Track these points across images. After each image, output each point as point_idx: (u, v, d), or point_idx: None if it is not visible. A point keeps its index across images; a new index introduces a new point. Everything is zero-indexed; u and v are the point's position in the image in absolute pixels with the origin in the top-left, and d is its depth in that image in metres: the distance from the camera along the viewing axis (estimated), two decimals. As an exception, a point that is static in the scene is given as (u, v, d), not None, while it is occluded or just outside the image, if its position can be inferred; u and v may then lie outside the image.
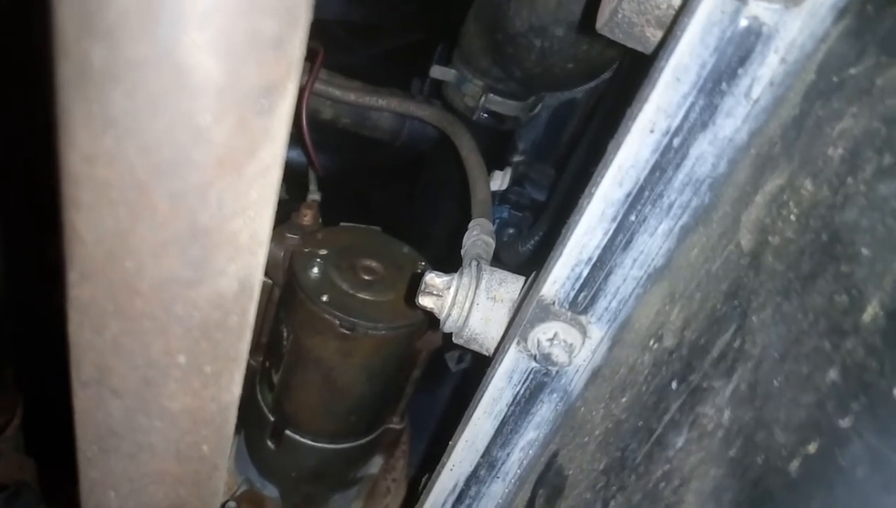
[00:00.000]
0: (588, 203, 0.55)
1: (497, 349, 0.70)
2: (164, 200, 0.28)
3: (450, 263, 0.84)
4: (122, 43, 0.24)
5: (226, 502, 1.16)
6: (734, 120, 0.50)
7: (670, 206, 0.54)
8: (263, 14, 0.25)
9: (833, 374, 0.32)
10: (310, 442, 1.13)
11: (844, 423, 0.30)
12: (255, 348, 1.23)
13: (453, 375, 1.45)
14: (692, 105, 0.50)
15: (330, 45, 1.34)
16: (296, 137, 1.37)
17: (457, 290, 0.72)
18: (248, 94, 0.26)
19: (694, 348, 0.47)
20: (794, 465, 0.32)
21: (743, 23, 0.46)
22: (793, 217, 0.40)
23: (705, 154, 0.52)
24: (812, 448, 0.31)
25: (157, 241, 0.30)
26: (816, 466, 0.31)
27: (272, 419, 1.15)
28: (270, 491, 1.22)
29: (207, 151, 0.27)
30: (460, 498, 0.72)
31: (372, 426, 1.18)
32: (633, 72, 0.58)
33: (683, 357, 0.48)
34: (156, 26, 0.23)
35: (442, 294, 0.72)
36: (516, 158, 1.43)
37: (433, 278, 0.73)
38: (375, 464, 1.28)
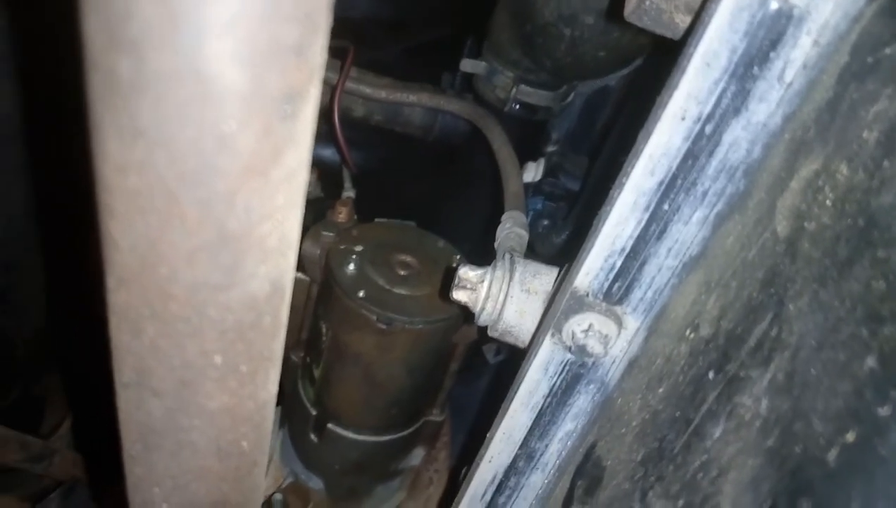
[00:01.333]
0: (619, 194, 0.54)
1: (532, 341, 0.70)
2: (193, 207, 0.29)
3: (485, 255, 0.85)
4: (147, 55, 0.24)
5: (272, 494, 1.19)
6: (767, 105, 0.49)
7: (704, 193, 0.54)
8: (284, 21, 0.25)
9: (871, 361, 0.31)
10: (352, 435, 1.14)
11: (883, 411, 0.30)
12: (296, 344, 1.25)
13: (492, 366, 1.45)
14: (724, 91, 0.49)
15: (360, 43, 1.35)
16: (329, 136, 1.39)
17: (490, 283, 0.72)
18: (272, 100, 0.27)
19: (730, 337, 0.46)
20: (833, 454, 0.32)
21: (773, 5, 0.45)
22: (828, 202, 0.39)
23: (739, 140, 0.51)
24: (850, 437, 0.31)
25: (189, 247, 0.31)
26: (855, 455, 0.31)
27: (314, 413, 1.17)
28: (315, 483, 1.24)
29: (233, 159, 0.28)
30: (500, 489, 0.73)
31: (412, 419, 1.19)
32: (665, 58, 0.57)
33: (720, 347, 0.47)
34: (179, 37, 0.24)
35: (476, 288, 0.73)
36: (550, 149, 1.42)
37: (467, 272, 0.73)
38: (417, 456, 1.29)
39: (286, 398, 1.30)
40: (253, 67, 0.25)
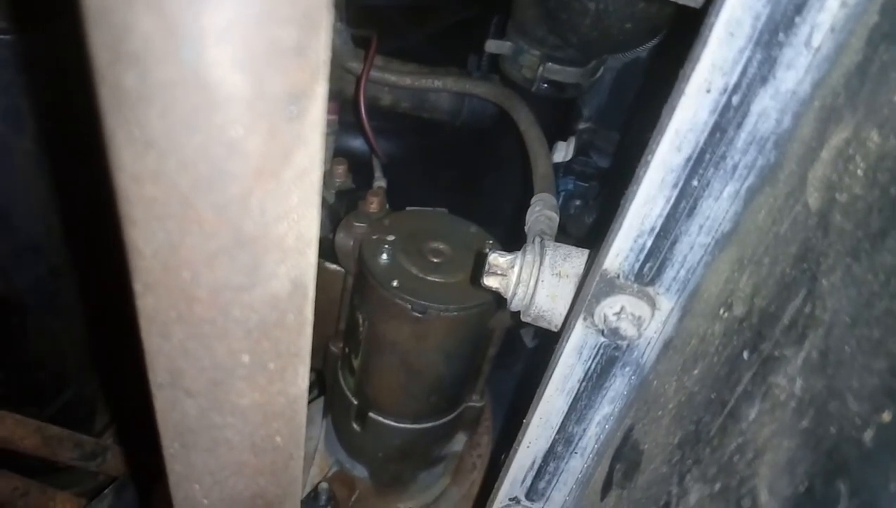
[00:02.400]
0: (646, 172, 0.53)
1: (564, 324, 0.69)
2: (208, 212, 0.29)
3: (520, 238, 0.84)
4: (149, 67, 0.25)
5: (318, 483, 1.21)
6: (796, 71, 0.47)
7: (734, 167, 0.52)
8: (281, 23, 0.25)
9: (906, 338, 0.30)
10: (393, 423, 1.16)
11: (920, 390, 0.29)
12: (335, 335, 1.27)
13: (530, 350, 1.45)
14: (749, 60, 0.48)
15: (384, 31, 1.34)
16: (358, 126, 1.39)
17: (521, 268, 0.71)
18: (276, 102, 0.27)
19: (764, 315, 0.45)
20: (869, 434, 0.31)
21: (797, -33, 0.43)
22: (860, 172, 0.38)
23: (768, 110, 0.49)
24: (886, 416, 0.30)
25: (208, 251, 0.31)
26: (892, 435, 0.30)
27: (355, 402, 1.18)
28: (360, 472, 1.26)
29: (243, 162, 0.28)
30: (539, 474, 0.73)
31: (452, 405, 1.20)
32: (687, 28, 0.56)
33: (754, 326, 0.46)
34: (178, 48, 0.24)
35: (506, 273, 0.72)
36: (581, 126, 1.40)
37: (496, 258, 0.72)
38: (459, 441, 1.30)
39: (328, 388, 1.32)
40: (254, 71, 0.25)
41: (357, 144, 1.48)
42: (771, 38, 0.46)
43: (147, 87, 0.25)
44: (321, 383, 1.42)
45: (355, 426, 1.20)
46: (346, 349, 1.20)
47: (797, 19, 0.45)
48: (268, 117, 0.27)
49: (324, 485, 1.19)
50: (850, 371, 0.33)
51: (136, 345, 0.39)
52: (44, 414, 1.29)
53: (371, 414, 1.16)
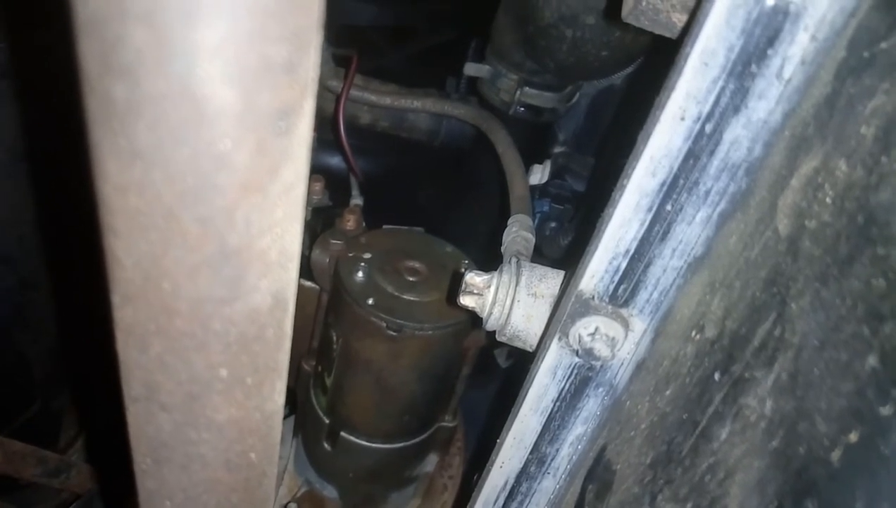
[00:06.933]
0: (621, 196, 0.54)
1: (539, 345, 0.70)
2: (193, 224, 0.29)
3: (494, 259, 0.85)
4: (140, 79, 0.25)
5: (287, 503, 1.19)
6: (767, 102, 0.49)
7: (707, 193, 0.54)
8: (273, 41, 0.26)
9: (872, 360, 0.31)
10: (364, 443, 1.15)
11: (885, 411, 0.30)
12: (308, 352, 1.26)
13: (504, 370, 1.45)
14: (722, 89, 0.49)
15: (364, 51, 1.36)
16: (336, 144, 1.39)
17: (497, 288, 0.72)
18: (265, 118, 0.27)
19: (735, 337, 0.46)
20: (836, 455, 0.31)
21: (769, 2, 0.45)
22: (828, 200, 0.39)
23: (740, 138, 0.51)
24: (853, 436, 0.31)
25: (191, 263, 0.31)
26: (858, 455, 0.30)
27: (327, 421, 1.17)
28: (330, 492, 1.25)
29: (230, 176, 0.28)
30: (512, 495, 0.73)
31: (425, 425, 1.19)
32: (664, 57, 0.57)
33: (725, 348, 0.47)
34: (170, 61, 0.24)
35: (482, 293, 0.73)
36: (557, 150, 1.42)
37: (473, 278, 0.73)
38: (431, 462, 1.29)
39: (299, 406, 1.31)
40: (244, 87, 0.26)
41: (334, 161, 1.48)
42: (744, 69, 0.48)
43: (136, 99, 0.25)
44: (292, 401, 1.40)
45: (326, 445, 1.19)
46: (319, 368, 1.19)
47: (769, 51, 0.47)
48: (256, 132, 0.27)
49: (292, 505, 1.18)
50: (818, 393, 0.34)
51: (110, 358, 0.39)
52: (7, 429, 1.26)
53: (343, 434, 1.15)
